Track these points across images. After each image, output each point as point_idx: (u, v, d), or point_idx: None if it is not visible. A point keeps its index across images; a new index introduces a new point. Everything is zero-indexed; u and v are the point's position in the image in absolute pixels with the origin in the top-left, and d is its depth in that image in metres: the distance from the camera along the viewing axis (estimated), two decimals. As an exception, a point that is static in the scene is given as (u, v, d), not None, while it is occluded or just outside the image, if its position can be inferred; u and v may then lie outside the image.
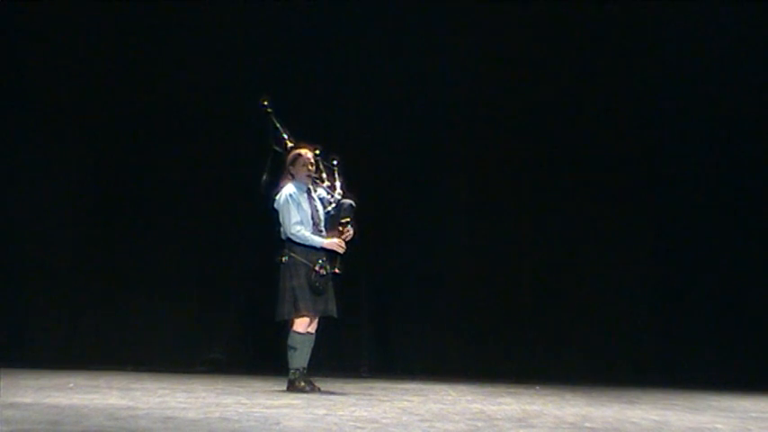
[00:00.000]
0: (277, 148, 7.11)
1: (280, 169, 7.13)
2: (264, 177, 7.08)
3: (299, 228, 6.95)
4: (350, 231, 7.09)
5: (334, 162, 7.31)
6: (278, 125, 7.15)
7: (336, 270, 7.06)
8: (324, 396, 6.71)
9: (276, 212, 7.05)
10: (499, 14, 10.36)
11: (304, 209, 7.01)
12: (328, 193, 7.22)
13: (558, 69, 10.50)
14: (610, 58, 10.54)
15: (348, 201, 7.19)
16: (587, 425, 5.21)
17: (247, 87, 9.16)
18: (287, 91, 9.71)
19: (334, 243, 7.03)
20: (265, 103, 7.16)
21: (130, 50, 10.21)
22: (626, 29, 10.53)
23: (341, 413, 5.39)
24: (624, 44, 10.55)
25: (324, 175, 7.28)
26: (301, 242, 6.97)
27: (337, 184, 7.26)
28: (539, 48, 10.46)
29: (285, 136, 7.14)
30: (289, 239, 6.99)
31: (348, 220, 7.11)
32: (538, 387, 8.61)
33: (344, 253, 7.06)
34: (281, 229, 7.03)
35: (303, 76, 10.17)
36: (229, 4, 10.21)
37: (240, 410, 5.37)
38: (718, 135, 10.48)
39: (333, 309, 7.07)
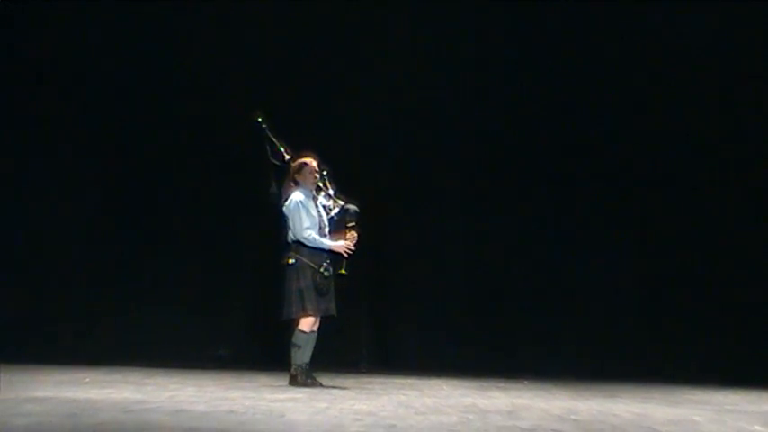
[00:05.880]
0: (275, 161, 7.23)
1: (284, 179, 7.26)
2: (273, 189, 7.24)
3: (309, 232, 7.15)
4: (354, 235, 7.30)
5: (324, 172, 7.41)
6: (273, 139, 7.26)
7: (342, 271, 7.27)
8: (325, 390, 6.83)
9: (285, 216, 7.22)
10: (499, 15, 10.45)
11: (312, 214, 7.21)
12: (329, 200, 7.39)
13: (555, 70, 10.58)
14: (606, 58, 10.59)
15: (353, 206, 7.38)
16: (573, 417, 5.25)
17: (250, 96, 9.27)
18: (287, 97, 9.93)
19: (341, 246, 7.25)
20: (260, 119, 7.26)
21: (139, 62, 10.33)
22: (625, 28, 10.56)
23: (341, 406, 5.48)
24: (622, 45, 10.60)
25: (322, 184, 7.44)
26: (312, 245, 7.16)
27: (330, 192, 7.42)
28: (537, 48, 10.54)
29: (282, 149, 7.27)
30: (296, 242, 7.18)
31: (353, 224, 7.32)
32: (526, 382, 8.70)
33: (349, 255, 7.27)
34: (290, 232, 7.21)
35: (302, 81, 10.30)
36: (234, 14, 10.34)
37: (247, 404, 5.44)
38: (709, 135, 10.52)
39: (333, 308, 7.28)
